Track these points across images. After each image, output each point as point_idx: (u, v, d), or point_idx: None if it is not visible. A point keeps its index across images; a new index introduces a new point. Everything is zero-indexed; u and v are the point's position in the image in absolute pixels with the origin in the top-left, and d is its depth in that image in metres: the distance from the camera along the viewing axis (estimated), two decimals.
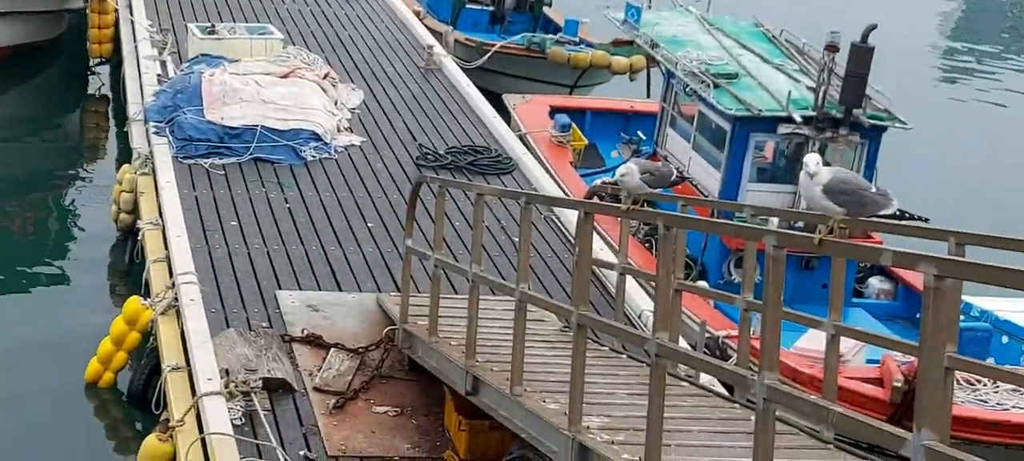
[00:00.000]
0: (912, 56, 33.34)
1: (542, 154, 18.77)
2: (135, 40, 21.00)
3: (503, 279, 12.46)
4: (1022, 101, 31.84)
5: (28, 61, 24.14)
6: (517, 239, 15.13)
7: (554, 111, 20.22)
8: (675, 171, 11.19)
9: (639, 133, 19.55)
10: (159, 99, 17.80)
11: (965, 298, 13.90)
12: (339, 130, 18.03)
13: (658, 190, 10.13)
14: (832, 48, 14.90)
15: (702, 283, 13.86)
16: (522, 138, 19.25)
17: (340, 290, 13.56)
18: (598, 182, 16.17)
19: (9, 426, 13.08)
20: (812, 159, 7.58)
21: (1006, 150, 26.87)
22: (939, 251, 6.43)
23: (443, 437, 11.07)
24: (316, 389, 11.42)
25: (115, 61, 23.27)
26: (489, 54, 24.48)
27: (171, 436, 10.77)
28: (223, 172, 16.20)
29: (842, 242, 7.46)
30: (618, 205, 9.79)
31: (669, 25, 18.39)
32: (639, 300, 13.83)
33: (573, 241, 15.41)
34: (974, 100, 31.81)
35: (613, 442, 8.38)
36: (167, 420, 11.13)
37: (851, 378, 12.58)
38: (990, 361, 12.90)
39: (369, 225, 15.34)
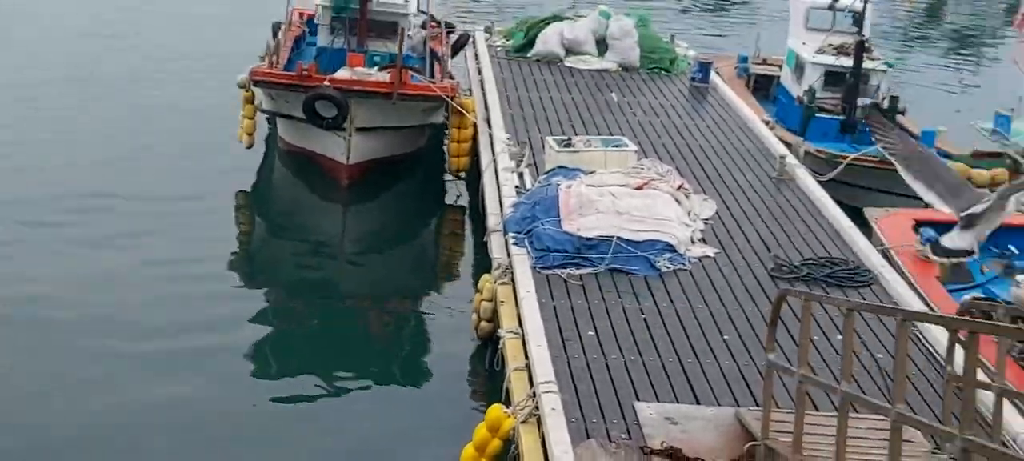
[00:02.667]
0: None
1: (905, 268, 18.16)
2: (493, 153, 21.72)
3: (867, 396, 12.05)
4: None
5: (391, 173, 25.26)
6: (880, 355, 14.75)
7: (919, 225, 19.52)
8: None
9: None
10: (517, 211, 18.29)
11: None
12: (693, 241, 18.03)
13: None
14: None
15: None
16: (885, 252, 18.71)
17: (698, 403, 13.45)
18: (968, 297, 15.51)
19: None
20: None
21: None
22: None
23: None
24: None
25: (472, 173, 24.11)
26: (841, 167, 24.01)
27: None
28: (580, 282, 16.43)
29: None
30: (1013, 326, 9.32)
31: None
32: (1012, 422, 13.12)
33: (937, 357, 14.85)
34: None
35: None
36: None
37: None
38: None
39: (725, 337, 15.19)
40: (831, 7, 27.22)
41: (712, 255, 17.82)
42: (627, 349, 14.65)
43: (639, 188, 18.61)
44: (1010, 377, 14.22)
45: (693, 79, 28.10)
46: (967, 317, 12.85)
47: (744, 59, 30.94)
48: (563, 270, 16.69)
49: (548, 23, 29.89)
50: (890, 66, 27.57)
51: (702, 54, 30.53)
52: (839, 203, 20.70)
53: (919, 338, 15.38)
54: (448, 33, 29.40)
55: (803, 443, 11.08)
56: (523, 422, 12.92)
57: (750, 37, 33.46)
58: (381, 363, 18.07)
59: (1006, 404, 12.82)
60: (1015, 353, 15.30)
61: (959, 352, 10.40)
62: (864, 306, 12.58)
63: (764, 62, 30.71)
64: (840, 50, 26.67)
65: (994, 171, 23.61)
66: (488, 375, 16.42)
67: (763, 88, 29.78)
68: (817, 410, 12.65)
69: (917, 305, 16.55)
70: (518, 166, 20.70)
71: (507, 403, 13.71)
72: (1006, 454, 9.16)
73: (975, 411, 13.12)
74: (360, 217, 24.69)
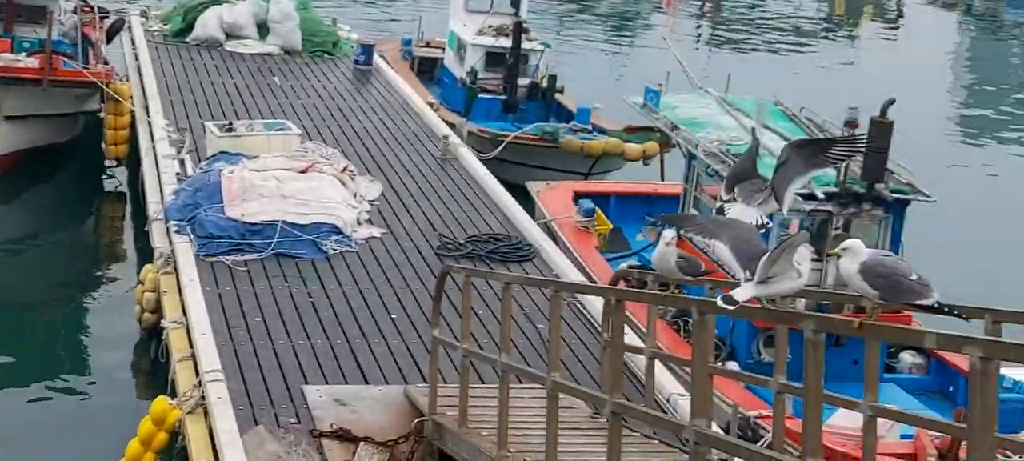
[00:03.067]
0: (932, 128, 33.59)
1: (567, 239, 18.74)
2: (153, 140, 21.13)
3: (530, 367, 12.39)
4: None
5: (45, 163, 24.24)
6: (541, 326, 15.16)
7: (578, 196, 20.20)
8: (703, 265, 11.14)
9: (663, 215, 19.53)
10: (179, 198, 17.86)
11: None
12: (359, 223, 18.06)
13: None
14: (852, 124, 14.92)
15: (732, 363, 13.75)
16: (546, 224, 19.25)
17: (367, 383, 13.49)
18: (624, 266, 16.15)
19: None
20: (856, 242, 7.51)
21: None
22: (976, 330, 6.42)
23: None
24: None
25: (131, 161, 23.40)
26: (503, 145, 24.56)
27: None
28: (246, 268, 16.19)
29: (884, 326, 7.37)
30: (654, 292, 9.74)
31: (689, 107, 18.44)
32: (667, 383, 13.72)
33: (598, 326, 15.38)
34: (997, 168, 32.01)
35: None
36: None
37: (885, 455, 12.44)
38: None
39: (392, 316, 15.29)
40: None
41: (379, 236, 17.90)
42: (295, 333, 14.55)
43: (303, 172, 18.50)
44: (666, 341, 14.96)
45: (356, 62, 28.12)
46: (621, 284, 13.35)
47: (408, 42, 31.19)
48: (228, 257, 16.41)
49: (207, 7, 29.28)
50: (547, 46, 28.37)
51: (365, 37, 30.58)
52: (502, 181, 21.15)
53: (581, 307, 15.89)
54: (102, 18, 28.32)
55: (469, 416, 11.30)
56: (189, 413, 12.66)
57: (413, 20, 33.74)
58: (40, 363, 17.30)
59: (660, 366, 13.51)
60: (668, 318, 16.04)
61: None
62: (519, 279, 12.91)
63: (428, 44, 31.05)
64: (499, 31, 27.25)
65: (646, 144, 24.75)
66: (153, 367, 16.01)
67: (428, 70, 30.13)
68: (483, 383, 12.89)
69: (577, 275, 17.09)
70: (178, 153, 20.22)
71: (173, 395, 13.39)
72: (652, 414, 9.60)
73: (630, 374, 13.80)
74: (12, 211, 23.56)
